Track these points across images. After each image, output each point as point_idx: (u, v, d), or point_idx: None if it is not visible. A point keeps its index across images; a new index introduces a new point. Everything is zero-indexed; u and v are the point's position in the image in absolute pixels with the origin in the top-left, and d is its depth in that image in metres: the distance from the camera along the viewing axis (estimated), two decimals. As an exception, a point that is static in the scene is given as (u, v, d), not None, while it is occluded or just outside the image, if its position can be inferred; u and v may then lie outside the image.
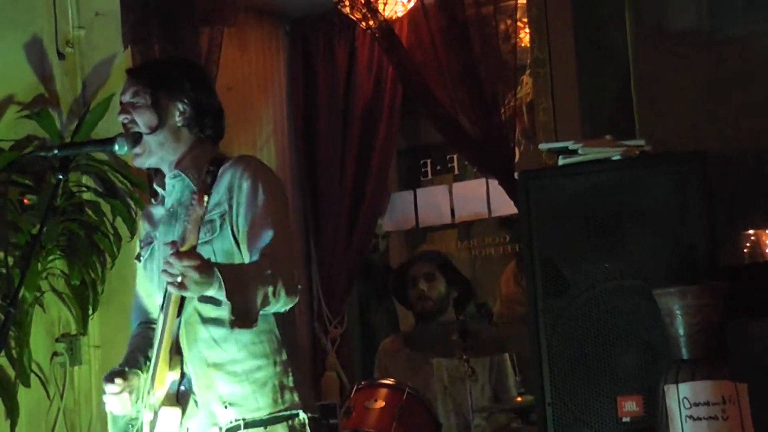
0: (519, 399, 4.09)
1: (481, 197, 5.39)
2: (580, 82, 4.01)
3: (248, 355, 2.61)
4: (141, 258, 2.77)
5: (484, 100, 4.13)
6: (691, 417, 2.68)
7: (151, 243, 2.74)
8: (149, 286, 2.76)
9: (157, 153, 2.70)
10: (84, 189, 4.46)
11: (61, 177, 2.72)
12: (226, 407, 2.60)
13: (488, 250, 5.59)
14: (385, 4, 4.41)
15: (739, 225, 3.44)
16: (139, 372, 2.66)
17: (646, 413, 2.92)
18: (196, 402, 2.60)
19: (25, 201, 4.27)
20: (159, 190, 2.78)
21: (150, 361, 2.63)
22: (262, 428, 2.59)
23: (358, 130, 5.19)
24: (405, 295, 4.61)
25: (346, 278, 5.23)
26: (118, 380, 2.60)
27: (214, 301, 2.49)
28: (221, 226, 2.60)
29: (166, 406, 2.50)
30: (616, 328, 2.98)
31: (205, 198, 2.43)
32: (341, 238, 5.19)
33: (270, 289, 2.43)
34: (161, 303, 2.59)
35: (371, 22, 4.36)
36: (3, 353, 3.97)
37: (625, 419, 2.94)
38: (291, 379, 2.63)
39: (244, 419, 2.59)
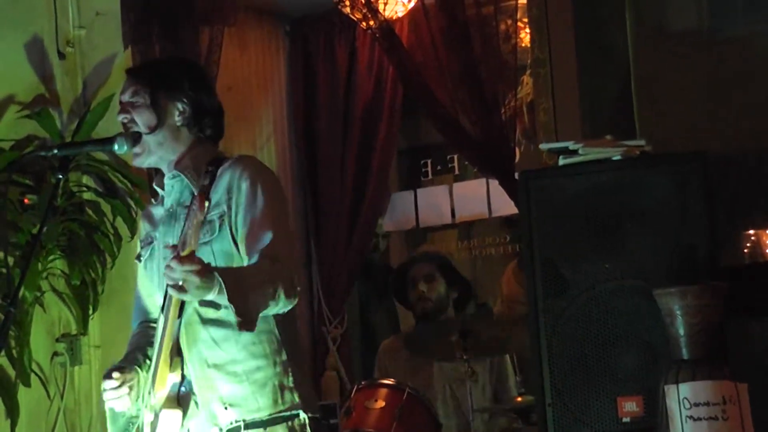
0: (519, 399, 4.09)
1: (481, 197, 5.39)
2: (580, 82, 4.01)
3: (248, 356, 2.61)
4: (141, 258, 2.77)
5: (485, 100, 4.13)
6: (691, 417, 2.68)
7: (151, 243, 2.74)
8: (149, 285, 2.76)
9: (156, 153, 2.70)
10: (84, 189, 4.46)
11: (61, 177, 2.72)
12: (226, 408, 2.60)
13: (488, 250, 5.59)
14: (385, 4, 4.41)
15: (739, 225, 3.44)
16: (139, 369, 2.66)
17: (646, 413, 2.91)
18: (196, 403, 2.60)
19: (26, 201, 4.27)
20: (158, 190, 2.78)
21: (150, 359, 2.63)
22: (262, 429, 2.59)
23: (358, 130, 5.19)
24: (405, 295, 4.62)
25: (347, 278, 5.23)
26: (115, 374, 2.60)
27: (213, 304, 2.49)
28: (220, 227, 2.60)
29: (167, 408, 2.51)
30: (617, 328, 2.98)
31: (206, 203, 2.44)
32: (342, 238, 5.19)
33: (269, 292, 2.44)
34: (162, 304, 2.59)
35: (372, 22, 4.36)
36: (3, 353, 3.97)
37: (625, 419, 2.94)
38: (291, 379, 2.63)
39: (244, 420, 2.59)
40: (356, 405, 3.73)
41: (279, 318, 2.60)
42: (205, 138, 2.73)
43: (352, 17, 4.44)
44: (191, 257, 2.34)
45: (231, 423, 2.59)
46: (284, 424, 2.60)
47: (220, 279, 2.34)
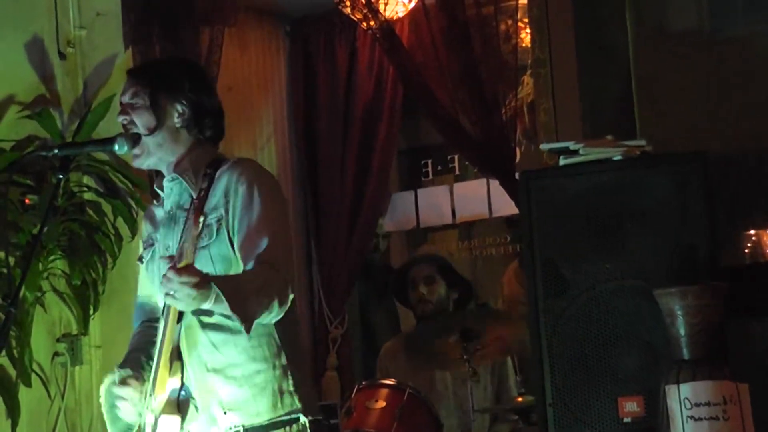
0: (520, 399, 4.09)
1: (482, 197, 5.39)
2: (580, 83, 4.01)
3: (247, 360, 2.60)
4: (143, 260, 2.77)
5: (485, 100, 4.13)
6: (692, 417, 2.68)
7: (152, 245, 2.74)
8: (151, 287, 2.76)
9: (155, 154, 2.69)
10: (85, 189, 4.46)
11: (61, 177, 2.72)
12: (225, 413, 2.60)
13: (489, 251, 5.59)
14: (386, 4, 4.41)
15: (739, 225, 3.44)
16: (142, 372, 2.66)
17: (647, 414, 2.91)
18: (196, 407, 2.60)
19: (26, 201, 4.27)
20: (159, 191, 2.78)
21: (152, 361, 2.63)
22: (261, 434, 2.59)
23: (358, 131, 5.19)
24: (405, 296, 4.62)
25: (347, 278, 5.23)
26: (134, 383, 2.59)
27: (210, 312, 2.49)
28: (218, 231, 2.60)
29: (167, 413, 2.50)
30: (617, 328, 2.98)
31: (201, 218, 2.44)
32: (342, 238, 5.19)
33: (265, 301, 2.45)
34: (162, 307, 2.59)
35: (372, 23, 4.36)
36: (4, 353, 3.98)
37: (626, 420, 2.94)
38: (291, 382, 2.62)
39: (243, 426, 2.59)
40: (357, 405, 3.73)
41: (279, 320, 2.60)
42: (204, 139, 2.73)
43: (353, 17, 4.44)
44: (189, 269, 2.34)
45: (230, 428, 2.59)
46: (284, 429, 2.60)
47: (218, 289, 2.35)
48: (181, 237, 2.57)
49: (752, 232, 3.40)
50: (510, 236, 5.48)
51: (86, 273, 4.33)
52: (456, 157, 5.58)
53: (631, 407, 2.94)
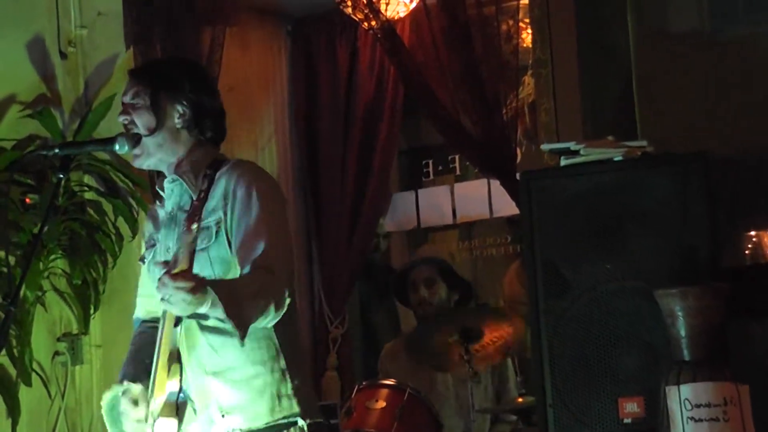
0: (520, 400, 4.09)
1: (482, 198, 5.38)
2: (582, 83, 4.01)
3: (246, 362, 2.60)
4: (145, 260, 2.77)
5: (486, 100, 4.12)
6: (692, 418, 2.68)
7: (154, 245, 2.74)
8: (152, 287, 2.74)
9: (155, 154, 2.69)
10: (86, 188, 4.47)
11: (62, 176, 2.72)
12: (223, 416, 2.60)
13: (490, 251, 5.58)
14: (387, 4, 4.41)
15: (739, 226, 3.43)
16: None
17: (647, 415, 2.91)
18: (194, 409, 2.60)
19: (27, 200, 4.28)
20: (160, 192, 2.78)
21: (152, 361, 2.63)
22: (258, 439, 2.58)
23: (359, 131, 5.18)
24: (406, 298, 4.63)
25: (348, 278, 5.23)
26: (142, 404, 2.59)
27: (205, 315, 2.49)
28: (216, 233, 2.59)
29: (164, 416, 2.49)
30: (618, 329, 2.98)
31: (194, 226, 2.44)
32: (343, 238, 5.19)
33: (261, 305, 2.44)
34: (162, 309, 2.59)
35: (373, 23, 4.35)
36: (4, 352, 3.98)
37: (626, 420, 2.94)
38: (289, 386, 2.62)
39: (241, 429, 2.59)
40: (357, 405, 3.73)
41: (278, 322, 2.59)
42: (205, 140, 2.72)
43: (354, 17, 4.44)
44: (184, 274, 2.34)
45: (228, 431, 2.59)
46: None
47: (214, 294, 2.34)
48: (177, 245, 2.57)
49: (753, 233, 3.39)
50: (511, 237, 5.48)
51: (87, 272, 4.34)
52: (457, 157, 5.58)
53: (631, 408, 2.94)
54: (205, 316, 2.46)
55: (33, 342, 4.23)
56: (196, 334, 2.59)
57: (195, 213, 2.52)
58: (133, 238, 4.34)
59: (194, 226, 2.44)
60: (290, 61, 5.39)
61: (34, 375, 4.27)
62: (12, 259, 4.09)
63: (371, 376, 4.47)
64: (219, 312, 2.37)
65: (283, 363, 2.62)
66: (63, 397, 4.44)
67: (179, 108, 2.68)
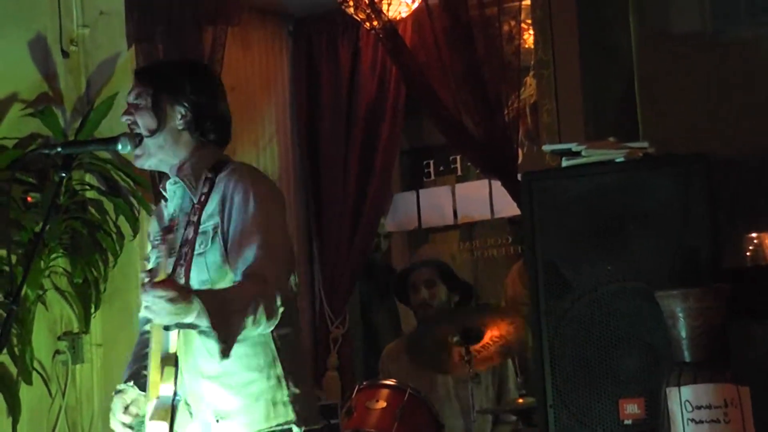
0: (520, 401, 4.09)
1: (483, 198, 5.38)
2: (583, 84, 4.01)
3: (242, 368, 2.59)
4: (149, 260, 2.77)
5: (488, 101, 4.12)
6: (692, 420, 2.68)
7: (157, 246, 2.74)
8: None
9: (156, 155, 2.69)
10: (87, 187, 4.47)
11: (64, 175, 2.73)
12: (218, 421, 2.59)
13: (490, 252, 5.58)
14: (389, 4, 4.41)
15: (740, 227, 3.43)
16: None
17: (647, 416, 2.91)
18: (191, 413, 2.60)
19: (29, 199, 4.28)
20: (164, 193, 2.78)
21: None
22: (252, 444, 2.58)
23: (361, 131, 5.18)
24: (407, 299, 4.63)
25: (349, 278, 5.23)
26: (132, 411, 2.60)
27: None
28: (213, 238, 2.59)
29: (155, 419, 2.49)
30: (619, 330, 2.97)
31: (169, 236, 2.46)
32: (344, 238, 5.19)
33: (251, 319, 2.43)
34: None
35: (375, 23, 4.35)
36: (5, 351, 3.98)
37: (626, 422, 2.94)
38: (285, 393, 2.61)
39: None
40: (357, 405, 3.73)
41: (277, 328, 2.58)
42: (208, 142, 2.71)
43: (356, 17, 4.44)
44: (166, 283, 2.34)
45: None
46: None
47: (200, 304, 2.33)
48: (181, 240, 2.57)
49: (754, 234, 3.40)
50: (512, 237, 5.48)
51: (88, 271, 4.34)
52: (458, 157, 5.58)
53: (631, 409, 2.94)
54: (192, 326, 2.42)
55: (34, 340, 4.23)
56: (194, 338, 2.58)
57: (171, 227, 2.52)
58: (134, 237, 4.34)
59: (169, 236, 2.45)
60: (292, 61, 5.39)
61: (34, 374, 4.27)
62: (13, 258, 4.08)
63: (372, 376, 4.47)
64: (205, 323, 2.36)
65: (279, 369, 2.61)
66: (63, 395, 4.44)
67: (180, 109, 2.68)
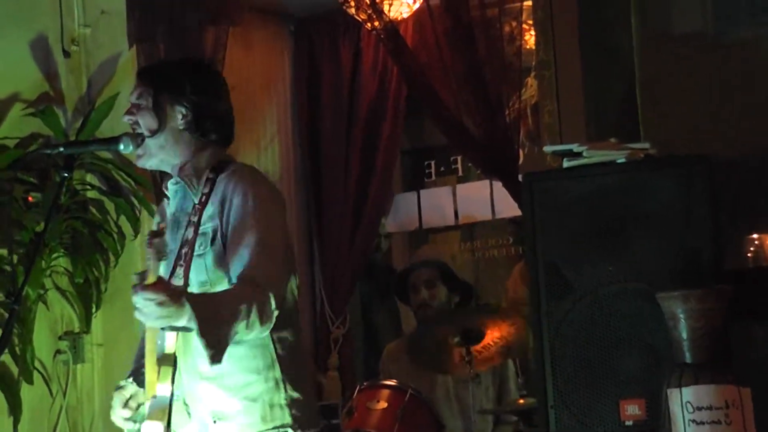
0: (521, 401, 4.09)
1: (484, 199, 5.38)
2: (585, 85, 4.01)
3: (240, 370, 2.59)
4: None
5: (489, 101, 4.12)
6: (694, 421, 2.68)
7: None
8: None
9: (157, 155, 2.69)
10: (88, 187, 4.47)
11: (65, 175, 2.73)
12: (215, 422, 2.59)
13: (491, 252, 5.58)
14: (390, 5, 4.40)
15: (742, 228, 3.43)
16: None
17: (648, 417, 2.91)
18: (189, 413, 2.60)
19: (30, 199, 4.28)
20: (166, 192, 2.78)
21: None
22: (248, 447, 2.58)
23: (362, 131, 5.18)
24: (407, 299, 4.63)
25: (350, 278, 5.23)
26: (132, 405, 2.60)
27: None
28: (213, 239, 2.58)
29: (151, 419, 2.49)
30: (620, 331, 2.97)
31: (155, 240, 2.45)
32: (345, 239, 5.19)
33: (243, 324, 2.42)
34: None
35: (376, 23, 4.35)
36: (6, 350, 3.98)
37: (627, 423, 2.94)
38: (283, 395, 2.61)
39: None
40: (358, 405, 3.73)
41: (276, 331, 2.58)
42: (209, 142, 2.71)
43: (357, 18, 4.44)
44: (156, 285, 2.33)
45: None
46: None
47: (191, 310, 2.33)
48: (180, 241, 2.57)
49: (755, 236, 3.39)
50: (513, 238, 5.48)
51: (89, 271, 4.34)
52: (459, 158, 5.58)
53: (632, 410, 2.94)
54: (186, 329, 2.42)
55: (35, 340, 4.23)
56: (192, 338, 2.57)
57: (159, 231, 2.51)
58: (135, 237, 4.34)
59: (156, 239, 2.45)
60: (293, 62, 5.39)
61: (35, 373, 4.27)
62: (15, 258, 4.09)
63: (372, 376, 4.47)
64: (195, 328, 2.36)
65: (278, 372, 2.61)
66: (64, 395, 4.44)
67: (181, 109, 2.67)
